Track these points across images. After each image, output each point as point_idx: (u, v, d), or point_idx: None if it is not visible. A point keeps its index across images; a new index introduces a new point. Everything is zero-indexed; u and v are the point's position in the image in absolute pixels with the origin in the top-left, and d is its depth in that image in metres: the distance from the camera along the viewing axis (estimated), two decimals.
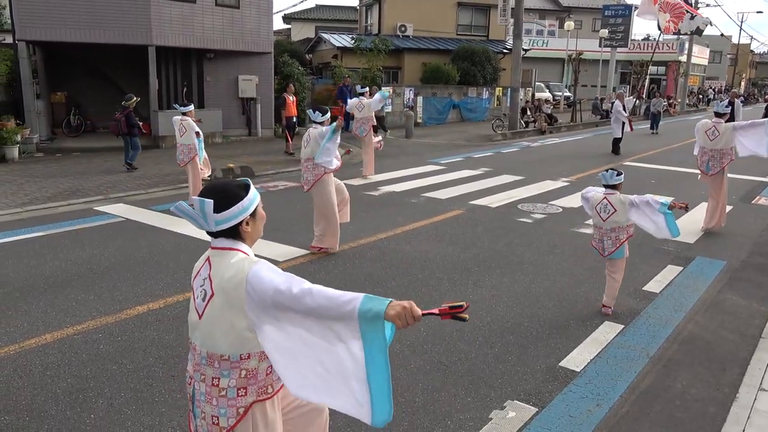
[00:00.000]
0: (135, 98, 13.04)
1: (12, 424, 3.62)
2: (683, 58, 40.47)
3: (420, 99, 24.09)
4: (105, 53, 16.80)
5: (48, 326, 4.97)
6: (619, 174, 5.42)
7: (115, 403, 3.87)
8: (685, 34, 13.70)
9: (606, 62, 33.37)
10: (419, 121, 23.64)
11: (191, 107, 9.67)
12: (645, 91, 30.41)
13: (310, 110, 7.27)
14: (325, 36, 27.97)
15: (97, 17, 14.87)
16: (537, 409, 3.90)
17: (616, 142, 16.67)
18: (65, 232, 7.89)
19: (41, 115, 16.01)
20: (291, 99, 15.78)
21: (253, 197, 2.31)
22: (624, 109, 16.45)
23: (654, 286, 6.26)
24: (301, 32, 36.50)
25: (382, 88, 12.91)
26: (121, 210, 9.11)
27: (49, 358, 4.44)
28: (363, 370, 2.01)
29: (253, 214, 2.31)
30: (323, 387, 2.12)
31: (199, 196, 2.22)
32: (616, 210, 5.35)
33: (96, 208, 9.20)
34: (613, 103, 17.54)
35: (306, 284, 2.05)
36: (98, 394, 3.97)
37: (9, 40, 17.22)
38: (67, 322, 5.05)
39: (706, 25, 15.05)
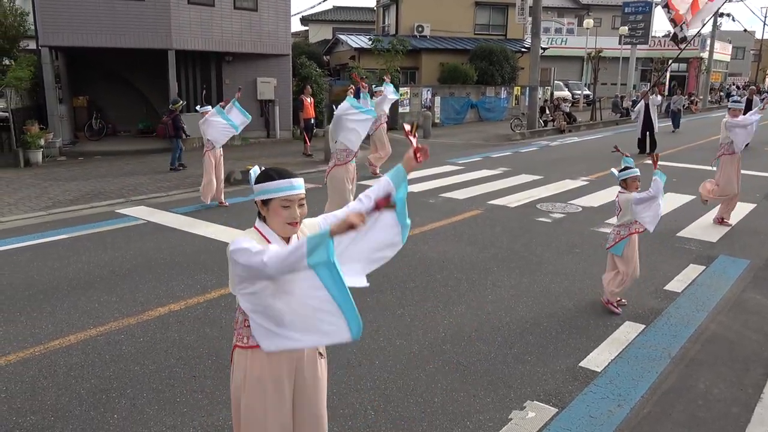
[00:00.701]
0: (181, 101, 13.99)
1: (38, 423, 3.69)
2: (705, 55, 39.90)
3: (437, 99, 24.05)
4: (125, 58, 17.03)
5: (72, 327, 5.05)
6: (623, 170, 5.35)
7: (138, 403, 3.92)
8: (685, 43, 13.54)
9: (626, 60, 33.05)
10: (437, 121, 23.60)
11: (208, 107, 9.88)
12: (665, 88, 30.05)
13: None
14: (343, 37, 28.05)
15: (118, 23, 15.08)
16: (557, 410, 3.88)
17: (652, 135, 16.16)
18: (88, 234, 8.01)
19: (64, 120, 16.27)
20: (308, 101, 15.82)
21: (274, 188, 2.48)
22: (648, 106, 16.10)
23: (676, 285, 6.19)
24: (319, 34, 36.67)
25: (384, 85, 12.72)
26: (142, 212, 9.23)
27: (72, 359, 4.52)
28: (327, 294, 2.28)
29: (266, 203, 2.51)
30: (298, 329, 2.40)
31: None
32: (621, 209, 5.38)
33: (118, 211, 9.33)
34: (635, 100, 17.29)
35: (264, 255, 2.24)
36: (121, 395, 4.02)
37: (32, 46, 17.54)
38: (90, 324, 5.13)
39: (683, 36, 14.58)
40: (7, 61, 20.55)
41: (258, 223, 2.57)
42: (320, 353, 2.73)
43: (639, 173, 5.40)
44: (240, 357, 2.61)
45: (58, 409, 3.84)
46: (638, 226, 5.38)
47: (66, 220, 8.76)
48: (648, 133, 16.17)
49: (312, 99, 16.22)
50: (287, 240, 2.54)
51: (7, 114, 14.82)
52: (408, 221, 2.62)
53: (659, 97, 16.31)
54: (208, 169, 9.55)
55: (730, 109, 8.54)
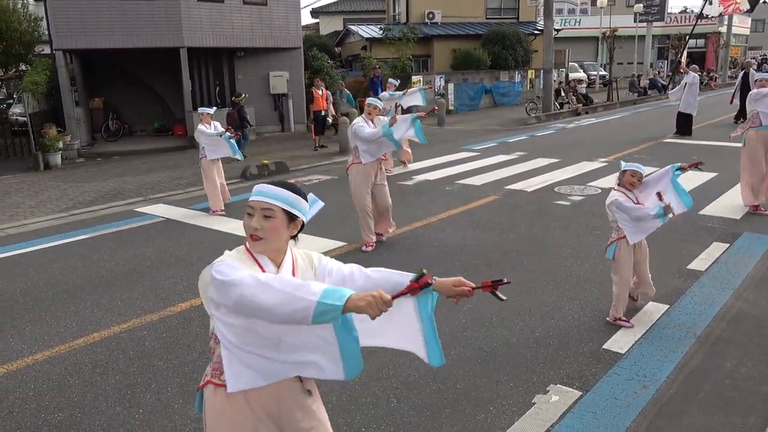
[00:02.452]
0: (244, 95, 14.67)
1: (65, 420, 3.74)
2: (723, 29, 39.12)
3: (451, 86, 23.88)
4: (139, 58, 17.15)
5: (95, 325, 5.12)
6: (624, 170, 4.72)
7: (162, 397, 3.96)
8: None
9: (642, 38, 32.54)
10: (451, 108, 23.46)
11: (207, 110, 9.26)
12: (683, 65, 29.55)
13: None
14: (353, 28, 27.95)
15: (130, 23, 15.17)
16: (581, 393, 3.84)
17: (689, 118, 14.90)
18: (108, 233, 8.10)
19: (81, 122, 16.45)
20: (320, 93, 15.61)
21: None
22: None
23: (699, 264, 6.09)
24: (330, 25, 36.58)
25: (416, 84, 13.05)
26: (160, 210, 9.30)
27: (97, 356, 4.57)
28: (335, 342, 2.06)
29: None
30: (286, 356, 2.11)
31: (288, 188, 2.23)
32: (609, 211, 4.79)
33: (137, 209, 9.41)
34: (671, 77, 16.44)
35: (244, 288, 1.92)
36: (146, 390, 4.06)
37: (47, 50, 17.73)
38: (113, 321, 5.19)
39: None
40: (23, 67, 20.83)
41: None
42: (308, 390, 2.31)
43: (640, 170, 4.68)
44: (209, 391, 2.23)
45: (85, 406, 3.90)
46: (615, 233, 4.77)
47: (86, 221, 8.86)
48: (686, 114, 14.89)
49: (324, 90, 16.01)
50: (277, 264, 2.20)
51: (25, 118, 15.03)
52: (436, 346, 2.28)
53: (695, 75, 14.83)
54: (209, 176, 8.97)
55: (757, 80, 7.93)
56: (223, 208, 8.99)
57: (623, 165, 4.79)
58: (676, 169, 4.72)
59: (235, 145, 9.17)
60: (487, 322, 4.90)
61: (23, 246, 7.62)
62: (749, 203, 7.94)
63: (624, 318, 4.78)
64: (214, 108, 9.77)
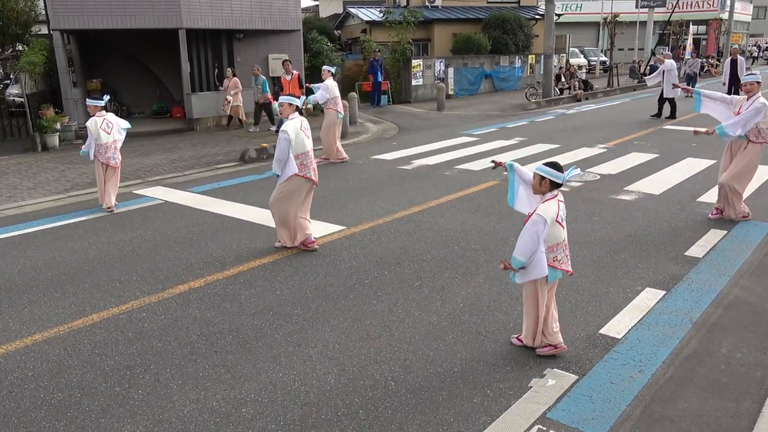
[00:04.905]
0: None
1: (65, 400, 3.76)
2: (725, 16, 38.87)
3: (451, 70, 23.75)
4: (137, 39, 17.00)
5: (94, 307, 5.13)
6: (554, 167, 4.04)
7: (162, 378, 3.98)
8: None
9: (643, 24, 32.32)
10: (450, 93, 23.34)
11: (97, 102, 8.31)
12: (683, 51, 29.41)
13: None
14: (353, 11, 27.73)
15: (128, 3, 15.01)
16: (577, 377, 3.87)
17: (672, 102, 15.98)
18: (107, 215, 8.08)
19: (78, 103, 16.33)
20: (288, 78, 14.11)
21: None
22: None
23: (696, 250, 6.11)
24: (329, 8, 36.27)
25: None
26: (159, 192, 9.28)
27: (96, 337, 4.59)
28: None
29: None
30: None
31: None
32: None
33: (135, 192, 9.39)
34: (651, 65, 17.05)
35: None
36: (145, 371, 4.08)
37: (44, 30, 17.57)
38: (112, 303, 5.20)
39: None
40: (20, 47, 20.66)
41: None
42: None
43: (545, 174, 4.03)
44: None
45: (84, 386, 3.92)
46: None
47: (84, 203, 8.84)
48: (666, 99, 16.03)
49: (296, 74, 14.43)
50: None
51: (22, 99, 14.92)
52: None
53: (672, 62, 15.94)
54: (98, 173, 8.34)
55: (744, 84, 6.83)
56: (110, 205, 8.21)
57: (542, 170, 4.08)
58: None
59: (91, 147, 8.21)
60: (484, 307, 4.92)
61: (21, 227, 7.61)
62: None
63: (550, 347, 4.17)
64: (106, 97, 8.65)
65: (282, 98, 6.44)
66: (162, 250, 6.57)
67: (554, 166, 3.98)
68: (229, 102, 15.91)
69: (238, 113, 16.23)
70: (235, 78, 16.02)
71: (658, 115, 16.18)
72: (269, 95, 15.70)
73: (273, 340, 4.47)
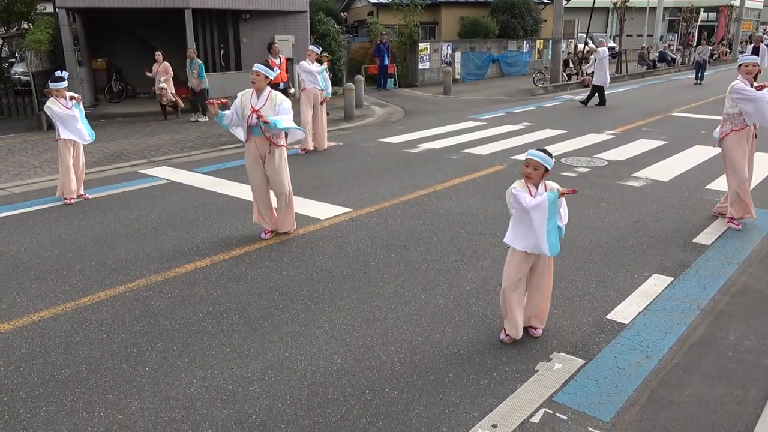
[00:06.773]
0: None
1: (72, 376, 3.78)
2: (736, 2, 38.44)
3: (458, 54, 23.58)
4: (143, 18, 16.91)
5: (101, 285, 5.13)
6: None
7: (169, 356, 3.99)
8: None
9: (653, 10, 32.01)
10: (457, 77, 23.21)
11: (58, 84, 7.54)
12: (694, 39, 29.14)
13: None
14: None
15: None
16: (584, 361, 3.86)
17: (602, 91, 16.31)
18: (112, 194, 8.08)
19: (84, 82, 16.29)
20: (277, 62, 12.79)
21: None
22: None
23: (704, 238, 6.08)
24: None
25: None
26: (165, 172, 9.27)
27: (103, 314, 4.60)
28: None
29: None
30: None
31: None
32: None
33: (141, 171, 9.38)
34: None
35: None
36: (152, 348, 4.09)
37: (50, 9, 17.47)
38: (118, 281, 5.21)
39: None
40: (25, 25, 20.55)
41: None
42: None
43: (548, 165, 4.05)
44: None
45: (91, 362, 3.93)
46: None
47: (90, 181, 8.82)
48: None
49: (282, 58, 13.59)
50: None
51: (28, 77, 14.88)
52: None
53: (605, 50, 16.35)
54: (62, 159, 7.63)
55: (742, 65, 6.36)
56: (74, 196, 7.69)
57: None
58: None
59: (88, 127, 7.82)
60: (491, 290, 4.91)
61: (28, 205, 7.62)
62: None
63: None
64: (66, 76, 7.77)
65: (256, 66, 6.00)
66: (168, 229, 6.57)
67: (547, 153, 4.06)
68: (165, 90, 14.39)
69: (167, 96, 14.52)
70: (165, 63, 14.40)
71: (586, 102, 16.40)
72: (205, 82, 14.46)
73: (279, 320, 4.47)
